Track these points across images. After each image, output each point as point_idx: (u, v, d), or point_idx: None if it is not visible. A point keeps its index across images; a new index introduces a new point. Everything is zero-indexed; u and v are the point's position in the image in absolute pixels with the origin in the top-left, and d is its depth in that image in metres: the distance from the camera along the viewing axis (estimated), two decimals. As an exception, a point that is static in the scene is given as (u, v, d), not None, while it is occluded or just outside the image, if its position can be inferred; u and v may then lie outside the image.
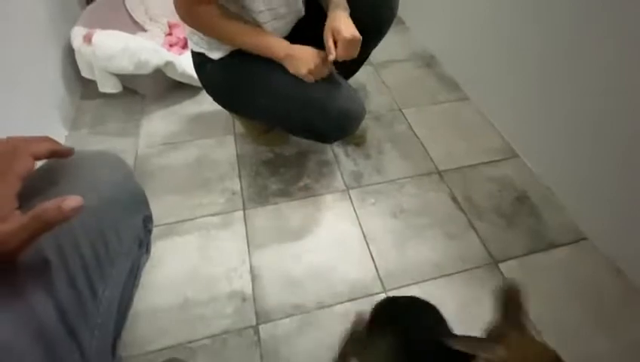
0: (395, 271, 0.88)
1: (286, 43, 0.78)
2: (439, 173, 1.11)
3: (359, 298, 0.83)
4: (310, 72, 0.75)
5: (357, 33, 0.74)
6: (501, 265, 0.91)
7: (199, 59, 0.87)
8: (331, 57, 0.74)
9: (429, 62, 1.50)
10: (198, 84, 1.33)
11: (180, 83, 1.26)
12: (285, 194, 1.02)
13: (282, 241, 0.92)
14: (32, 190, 0.33)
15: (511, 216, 1.00)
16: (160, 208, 0.96)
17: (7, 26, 0.97)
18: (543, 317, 0.81)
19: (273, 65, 0.79)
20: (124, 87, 1.21)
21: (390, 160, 1.13)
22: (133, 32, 1.32)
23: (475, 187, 1.07)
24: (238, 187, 1.04)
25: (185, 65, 1.21)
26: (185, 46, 1.39)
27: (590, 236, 0.96)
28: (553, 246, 0.94)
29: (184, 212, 0.97)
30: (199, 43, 0.84)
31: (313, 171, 1.09)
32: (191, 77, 1.24)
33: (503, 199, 1.05)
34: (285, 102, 0.82)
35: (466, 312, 0.82)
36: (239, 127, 1.19)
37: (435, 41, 1.50)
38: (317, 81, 0.78)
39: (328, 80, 0.81)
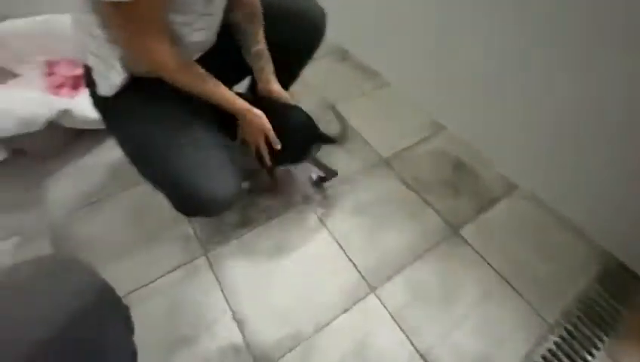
0: (374, 266, 0.90)
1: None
2: (385, 160, 1.16)
3: (351, 306, 0.83)
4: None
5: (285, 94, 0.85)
6: (461, 232, 0.99)
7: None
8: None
9: (343, 55, 1.53)
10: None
11: (80, 130, 1.07)
12: (246, 223, 0.96)
13: (258, 275, 0.87)
14: None
15: (455, 184, 1.10)
16: (105, 282, 0.82)
17: None
18: (507, 267, 0.92)
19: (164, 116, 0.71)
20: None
21: (338, 159, 1.14)
22: (1, 82, 1.08)
23: (417, 166, 1.14)
24: (190, 230, 0.94)
25: (84, 108, 1.03)
26: (76, 86, 1.19)
27: (520, 184, 1.11)
28: (495, 201, 1.07)
29: (137, 277, 0.84)
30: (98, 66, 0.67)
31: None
32: (95, 121, 1.07)
33: (444, 170, 1.14)
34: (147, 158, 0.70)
35: (448, 287, 0.88)
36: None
37: (345, 35, 1.53)
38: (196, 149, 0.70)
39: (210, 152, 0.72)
